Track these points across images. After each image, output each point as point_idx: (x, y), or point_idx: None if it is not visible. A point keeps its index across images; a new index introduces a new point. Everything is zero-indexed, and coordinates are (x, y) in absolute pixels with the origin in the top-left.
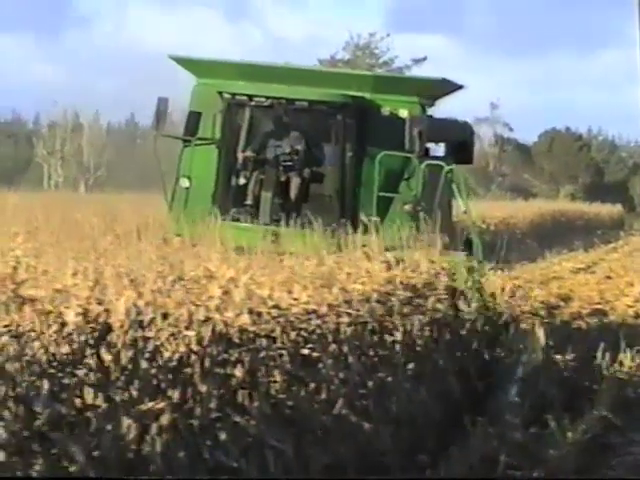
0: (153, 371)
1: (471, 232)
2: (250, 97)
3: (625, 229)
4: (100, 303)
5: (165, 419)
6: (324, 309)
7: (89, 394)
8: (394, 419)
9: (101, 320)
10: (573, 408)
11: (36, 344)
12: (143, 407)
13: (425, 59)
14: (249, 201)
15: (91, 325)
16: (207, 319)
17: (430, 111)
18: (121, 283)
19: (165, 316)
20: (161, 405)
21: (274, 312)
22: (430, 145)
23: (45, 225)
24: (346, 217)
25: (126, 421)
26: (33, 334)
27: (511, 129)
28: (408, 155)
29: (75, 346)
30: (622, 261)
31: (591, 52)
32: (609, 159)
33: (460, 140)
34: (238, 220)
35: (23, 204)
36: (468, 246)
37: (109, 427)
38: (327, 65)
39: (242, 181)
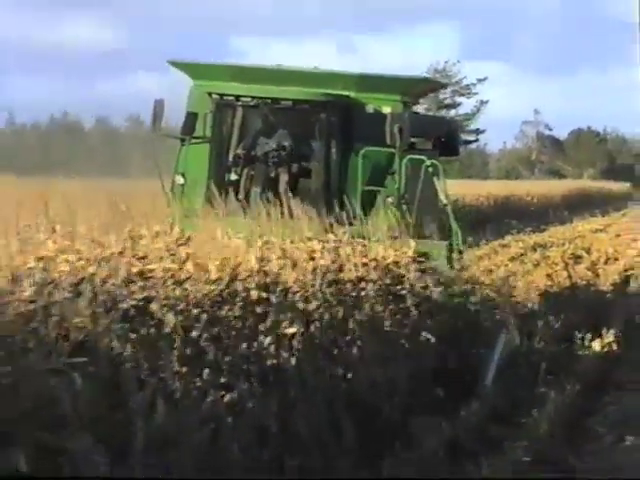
0: (283, 306)
1: (450, 220)
2: (237, 97)
3: (632, 200)
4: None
5: (296, 341)
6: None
7: (237, 323)
8: None
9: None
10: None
11: (193, 287)
12: (278, 331)
13: (486, 79)
14: (240, 196)
15: (228, 273)
16: (327, 269)
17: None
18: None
19: (295, 265)
20: (293, 330)
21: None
22: (419, 140)
23: None
24: (332, 210)
25: (266, 340)
26: (191, 280)
27: (550, 129)
28: (390, 150)
29: (221, 288)
30: (629, 224)
31: (608, 69)
32: (621, 149)
33: (445, 134)
34: (230, 214)
35: None
36: (449, 234)
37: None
38: None
39: (233, 177)
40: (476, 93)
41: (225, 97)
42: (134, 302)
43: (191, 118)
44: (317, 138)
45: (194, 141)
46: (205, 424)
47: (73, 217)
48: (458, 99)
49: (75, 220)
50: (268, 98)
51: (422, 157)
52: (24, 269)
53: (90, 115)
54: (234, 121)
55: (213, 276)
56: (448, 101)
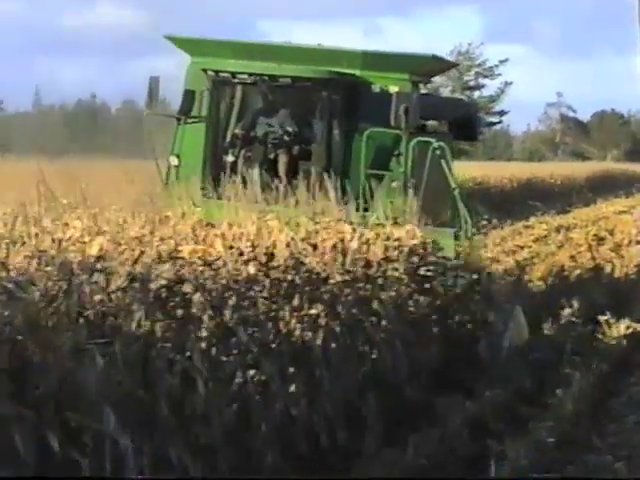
0: (307, 287)
1: (459, 206)
2: (233, 74)
3: None
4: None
5: (321, 320)
6: None
7: (263, 304)
8: None
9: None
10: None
11: (223, 269)
12: (303, 312)
13: (507, 60)
14: (237, 179)
15: (262, 254)
16: (344, 250)
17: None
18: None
19: (315, 247)
20: (317, 310)
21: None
22: (433, 123)
23: None
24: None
25: (292, 322)
26: (220, 261)
27: (574, 111)
28: (396, 131)
29: (251, 269)
30: None
31: (631, 52)
32: None
33: (461, 117)
34: (226, 197)
35: None
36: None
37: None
38: None
39: (230, 159)
40: (499, 74)
41: (221, 74)
42: (164, 282)
43: (188, 97)
44: (319, 118)
45: (190, 121)
46: (233, 402)
47: (99, 198)
48: (482, 81)
49: (101, 201)
50: (266, 75)
51: (430, 139)
52: (49, 250)
53: (116, 98)
54: (232, 100)
55: (246, 257)
56: (472, 83)
